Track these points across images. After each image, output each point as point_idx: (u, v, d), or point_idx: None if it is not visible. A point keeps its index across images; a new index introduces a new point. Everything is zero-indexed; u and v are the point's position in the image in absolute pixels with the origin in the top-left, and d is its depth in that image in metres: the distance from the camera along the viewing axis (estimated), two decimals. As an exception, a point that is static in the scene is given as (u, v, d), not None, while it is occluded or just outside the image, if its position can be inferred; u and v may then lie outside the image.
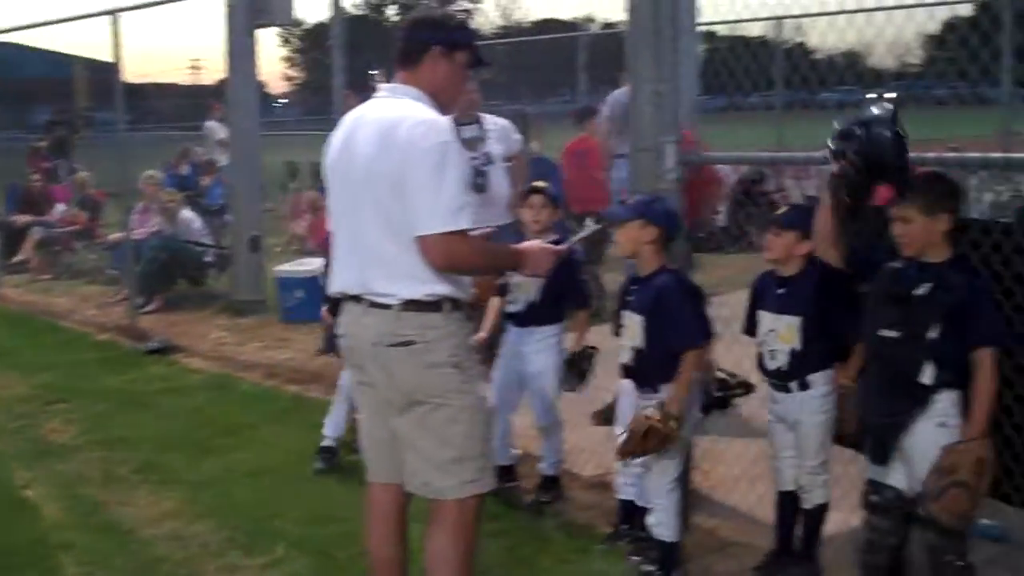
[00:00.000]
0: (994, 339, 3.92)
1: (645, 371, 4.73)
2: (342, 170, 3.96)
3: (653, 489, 4.79)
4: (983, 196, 6.31)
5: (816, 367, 4.58)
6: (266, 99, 13.18)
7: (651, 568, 4.81)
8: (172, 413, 7.89)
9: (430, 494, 3.97)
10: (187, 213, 12.31)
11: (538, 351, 5.67)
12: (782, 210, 4.72)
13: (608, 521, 5.39)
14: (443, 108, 3.96)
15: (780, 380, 4.65)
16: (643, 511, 4.93)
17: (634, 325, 4.74)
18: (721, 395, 4.94)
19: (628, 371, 4.80)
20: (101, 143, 17.41)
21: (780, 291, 4.63)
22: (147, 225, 12.02)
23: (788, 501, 4.77)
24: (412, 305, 3.81)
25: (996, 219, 5.14)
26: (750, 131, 9.88)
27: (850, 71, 6.18)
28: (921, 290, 3.99)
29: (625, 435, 4.63)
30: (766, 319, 4.68)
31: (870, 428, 4.23)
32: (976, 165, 4.64)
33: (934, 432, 3.97)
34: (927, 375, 3.96)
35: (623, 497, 5.25)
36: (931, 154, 4.56)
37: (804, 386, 4.59)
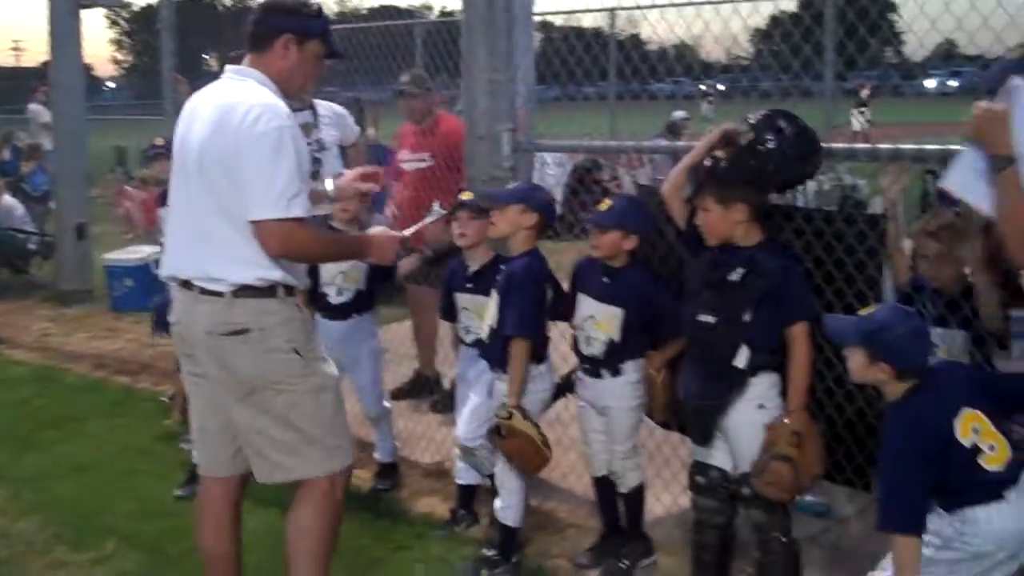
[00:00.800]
0: (805, 314, 4.06)
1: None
2: (180, 152, 3.89)
3: (502, 474, 4.84)
4: (807, 186, 6.53)
5: (629, 356, 4.66)
6: (93, 82, 12.72)
7: (491, 553, 4.85)
8: (-5, 407, 7.60)
9: (284, 478, 3.93)
10: (8, 200, 11.87)
11: (359, 341, 5.65)
12: (604, 206, 4.74)
13: (447, 507, 5.43)
14: (288, 96, 3.90)
15: (593, 367, 4.72)
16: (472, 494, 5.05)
17: (491, 304, 4.76)
18: (568, 377, 4.99)
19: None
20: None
21: (605, 280, 4.68)
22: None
23: (605, 485, 4.86)
24: (245, 291, 3.76)
25: (819, 207, 5.34)
26: (584, 121, 10.02)
27: (680, 63, 6.32)
28: (734, 275, 4.11)
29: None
30: (587, 304, 4.72)
31: (691, 411, 4.34)
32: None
33: (753, 414, 4.10)
34: (742, 358, 4.08)
35: (461, 482, 5.29)
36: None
37: (616, 373, 4.67)
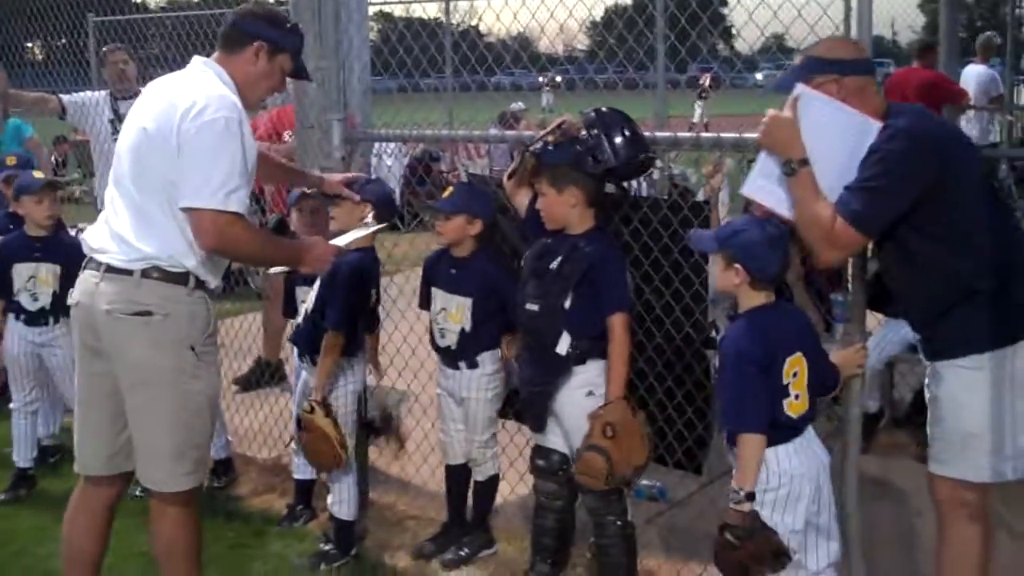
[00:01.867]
0: (619, 305, 4.12)
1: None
2: (125, 131, 3.83)
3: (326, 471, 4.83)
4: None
5: (485, 346, 4.70)
6: None
7: (328, 547, 4.83)
8: None
9: (154, 485, 3.84)
10: None
11: None
12: (447, 193, 4.78)
13: (284, 503, 5.37)
14: (245, 101, 3.85)
15: (450, 359, 4.75)
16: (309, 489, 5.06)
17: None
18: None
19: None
20: None
21: (452, 271, 4.72)
22: None
23: (458, 474, 4.88)
24: (154, 272, 3.68)
25: (648, 195, 5.45)
26: (424, 113, 10.01)
27: (517, 57, 6.36)
28: (555, 263, 4.16)
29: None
30: (439, 297, 4.76)
31: (524, 397, 4.40)
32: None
33: (582, 400, 4.14)
34: (563, 345, 4.12)
35: (299, 477, 5.24)
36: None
37: (472, 364, 4.71)
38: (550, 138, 4.21)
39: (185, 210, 3.63)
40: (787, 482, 3.52)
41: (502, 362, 4.72)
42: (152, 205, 3.69)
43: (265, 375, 7.15)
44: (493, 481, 4.86)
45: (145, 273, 3.69)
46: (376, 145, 6.58)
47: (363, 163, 5.63)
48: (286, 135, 7.17)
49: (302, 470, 5.22)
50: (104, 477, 3.98)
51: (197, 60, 3.93)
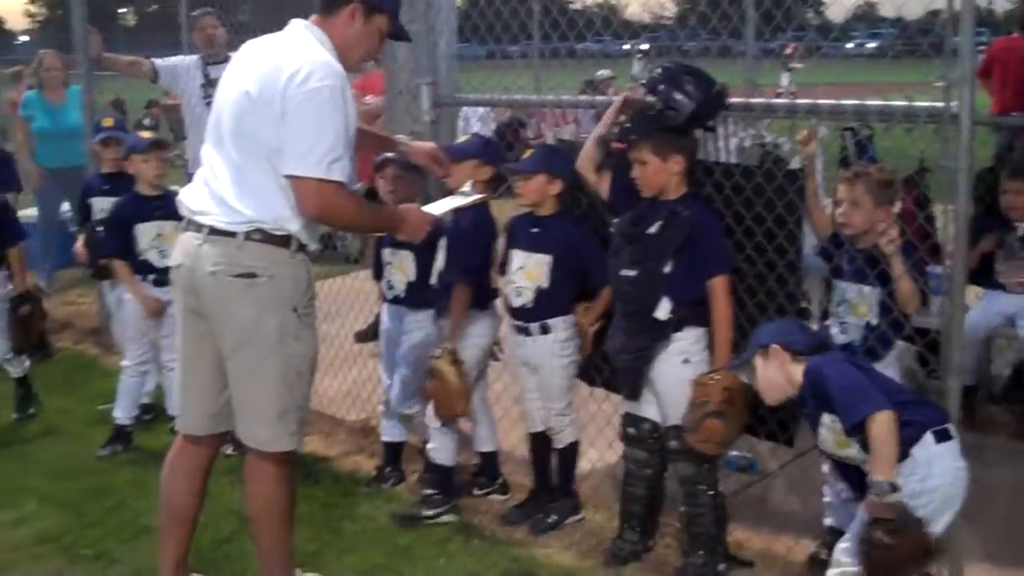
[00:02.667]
0: (722, 266, 4.13)
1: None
2: (224, 96, 3.84)
3: (431, 417, 4.88)
4: (729, 143, 6.59)
5: (558, 311, 4.69)
6: (5, 36, 12.35)
7: (430, 491, 4.91)
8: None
9: (257, 445, 3.89)
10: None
11: None
12: (527, 154, 4.78)
13: (373, 464, 5.43)
14: (345, 64, 3.85)
15: (523, 320, 4.74)
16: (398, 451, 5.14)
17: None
18: None
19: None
20: None
21: (534, 230, 4.72)
22: None
23: (540, 441, 4.89)
24: (258, 235, 3.71)
25: (738, 163, 5.38)
26: (509, 79, 10.01)
27: (605, 23, 6.31)
28: (653, 228, 4.16)
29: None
30: (517, 257, 4.76)
31: (618, 365, 4.38)
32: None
33: (679, 368, 4.15)
34: (663, 310, 4.12)
35: (387, 439, 5.29)
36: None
37: (545, 330, 4.70)
38: (621, 118, 4.20)
39: (288, 177, 3.66)
40: (950, 483, 3.49)
41: (575, 329, 4.71)
42: (254, 168, 3.72)
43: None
44: (573, 448, 4.86)
45: (248, 235, 3.72)
46: (463, 111, 6.58)
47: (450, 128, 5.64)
48: (368, 98, 7.22)
49: (390, 432, 5.27)
50: (203, 436, 4.04)
51: (296, 23, 3.91)
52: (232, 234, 3.73)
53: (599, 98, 5.50)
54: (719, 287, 4.11)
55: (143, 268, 5.75)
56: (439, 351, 4.72)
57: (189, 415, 4.06)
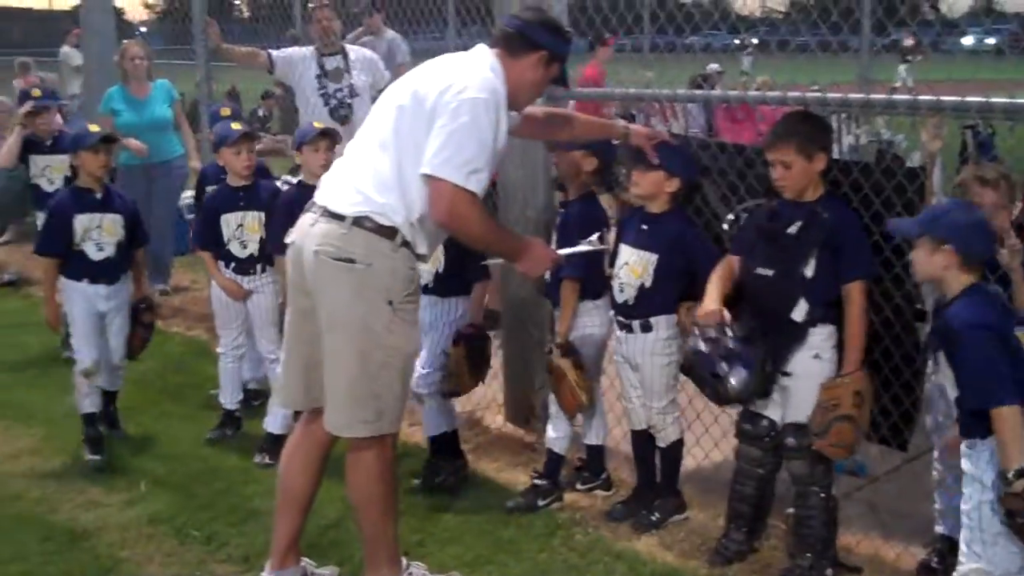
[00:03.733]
0: (863, 271, 4.06)
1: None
2: (393, 93, 3.96)
3: (555, 405, 4.95)
4: (843, 139, 6.49)
5: (660, 309, 4.64)
6: (125, 27, 12.62)
7: (542, 482, 4.97)
8: (27, 348, 7.66)
9: (333, 428, 3.95)
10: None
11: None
12: (664, 149, 4.72)
13: (476, 457, 5.47)
14: (513, 104, 3.96)
15: (625, 317, 4.71)
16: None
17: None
18: None
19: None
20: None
21: (643, 227, 4.68)
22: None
23: (643, 439, 4.85)
24: (366, 222, 3.76)
25: (857, 160, 5.27)
26: (617, 72, 9.95)
27: (716, 15, 6.24)
28: (793, 228, 4.10)
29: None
30: (624, 253, 4.73)
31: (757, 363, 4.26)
32: (836, 105, 4.74)
33: (809, 364, 4.10)
34: (800, 312, 4.07)
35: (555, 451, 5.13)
36: (794, 92, 4.65)
37: (646, 328, 4.66)
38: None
39: (426, 177, 3.72)
40: None
41: (678, 328, 4.64)
42: (382, 158, 3.80)
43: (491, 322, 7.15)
44: (677, 446, 4.81)
45: (356, 221, 3.77)
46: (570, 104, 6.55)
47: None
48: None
49: (554, 444, 5.10)
50: (318, 419, 4.07)
51: (483, 49, 4.03)
52: (342, 217, 3.79)
53: (714, 92, 5.46)
54: (856, 291, 4.04)
55: (226, 257, 5.86)
56: (551, 346, 4.73)
57: (289, 389, 4.15)
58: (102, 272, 5.66)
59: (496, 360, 5.80)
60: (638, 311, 4.66)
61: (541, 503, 4.89)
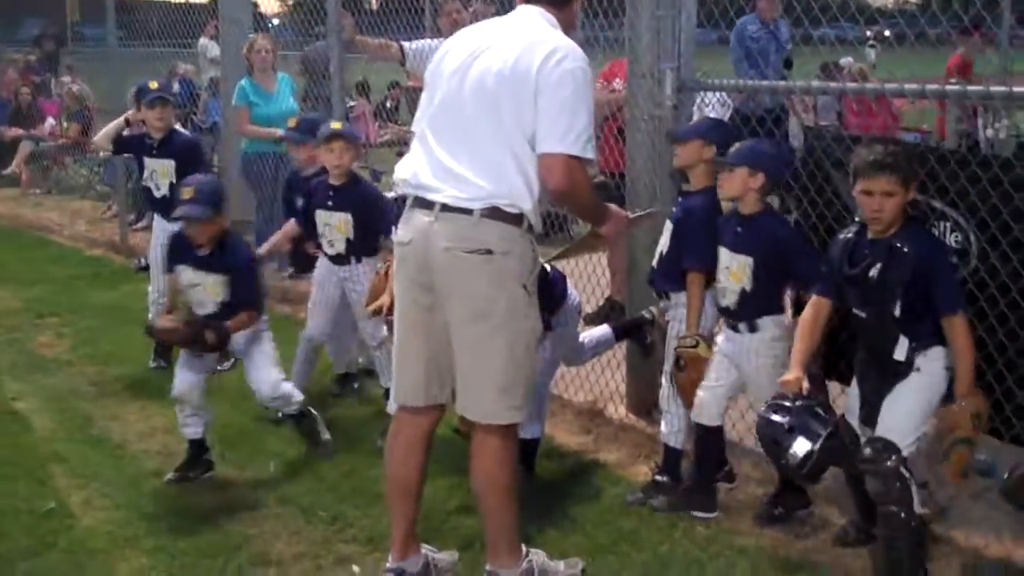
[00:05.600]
0: (955, 305, 3.93)
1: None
2: (456, 76, 3.92)
3: (669, 399, 4.92)
4: (982, 132, 6.31)
5: (765, 310, 4.59)
6: (260, 18, 12.89)
7: (662, 477, 4.93)
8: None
9: (479, 417, 3.98)
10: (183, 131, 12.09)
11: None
12: (733, 148, 4.65)
13: (599, 446, 5.47)
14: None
15: (730, 319, 4.67)
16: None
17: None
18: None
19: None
20: (91, 59, 17.23)
21: (738, 229, 4.62)
22: (138, 142, 11.89)
23: (711, 434, 4.79)
24: (493, 212, 3.80)
25: (995, 154, 5.14)
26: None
27: (848, 7, 6.14)
28: (874, 271, 4.00)
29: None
30: (723, 256, 4.67)
31: (864, 397, 4.22)
32: (977, 97, 4.62)
33: (912, 379, 4.03)
34: (901, 351, 4.00)
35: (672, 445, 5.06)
36: (932, 86, 4.54)
37: (753, 328, 4.60)
38: None
39: (543, 154, 3.74)
40: None
41: (785, 329, 4.56)
42: (493, 145, 3.79)
43: (613, 313, 7.16)
44: None
45: (485, 213, 3.79)
46: (701, 96, 6.49)
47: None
48: (616, 83, 7.22)
49: (670, 438, 5.01)
50: (420, 408, 4.13)
51: (528, 8, 4.01)
52: (468, 211, 3.80)
53: (850, 85, 5.36)
54: (957, 326, 3.91)
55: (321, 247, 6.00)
56: (690, 339, 4.72)
57: (405, 386, 4.15)
58: None
59: (619, 351, 5.82)
60: (743, 315, 4.60)
61: (660, 500, 4.84)
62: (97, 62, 15.55)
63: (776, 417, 4.05)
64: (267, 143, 8.92)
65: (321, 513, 4.85)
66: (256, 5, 12.02)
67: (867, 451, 4.01)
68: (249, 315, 5.30)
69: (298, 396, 5.59)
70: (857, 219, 4.20)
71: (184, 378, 5.31)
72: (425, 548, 4.27)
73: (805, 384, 4.13)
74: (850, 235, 4.13)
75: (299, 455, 5.55)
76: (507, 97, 3.77)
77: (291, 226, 6.22)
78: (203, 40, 17.10)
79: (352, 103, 7.70)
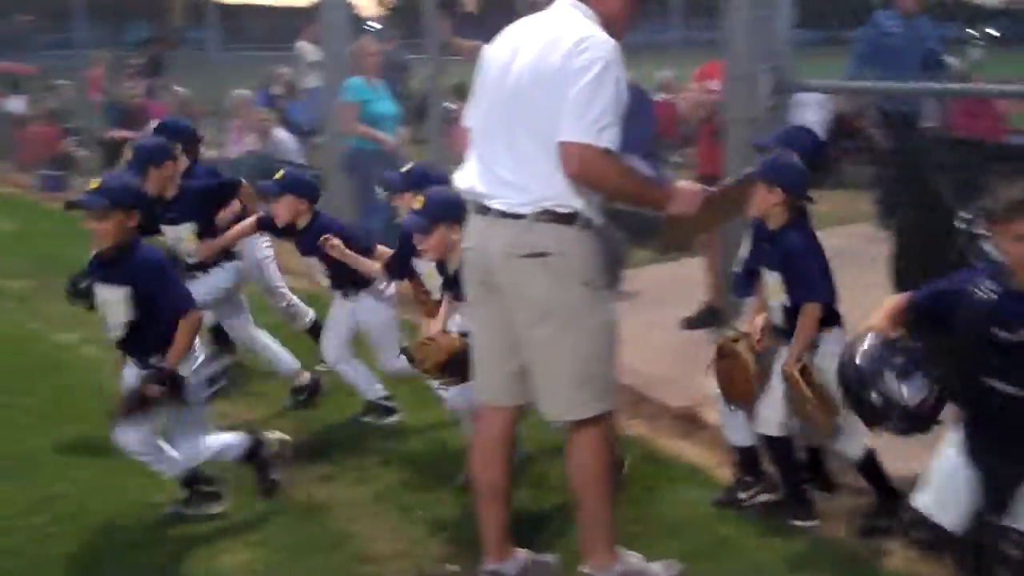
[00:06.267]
0: None
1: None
2: (500, 75, 3.95)
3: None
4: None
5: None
6: (357, 22, 13.06)
7: (744, 476, 4.90)
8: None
9: (561, 415, 4.03)
10: (281, 133, 12.30)
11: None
12: (763, 161, 4.56)
13: (696, 451, 5.47)
14: (614, 35, 3.92)
15: (781, 338, 4.59)
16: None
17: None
18: None
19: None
20: (193, 62, 17.61)
21: (767, 245, 4.58)
22: (241, 144, 12.12)
23: (779, 444, 4.71)
24: (546, 215, 3.81)
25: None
26: (841, 66, 9.68)
27: (952, 7, 6.04)
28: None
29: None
30: (763, 274, 4.63)
31: (987, 480, 3.61)
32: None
33: None
34: None
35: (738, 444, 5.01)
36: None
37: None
38: None
39: (559, 143, 3.72)
40: None
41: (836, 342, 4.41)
42: (534, 147, 3.79)
43: (713, 318, 7.14)
44: (869, 457, 4.63)
45: (537, 216, 3.80)
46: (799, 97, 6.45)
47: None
48: (712, 84, 7.19)
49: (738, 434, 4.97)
50: (497, 408, 4.16)
51: (562, 1, 3.99)
52: (521, 216, 3.82)
53: (951, 86, 5.28)
54: None
55: None
56: (734, 332, 4.70)
57: (484, 386, 4.20)
58: None
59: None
60: (789, 332, 4.54)
61: (743, 495, 4.84)
62: (196, 66, 15.90)
63: (870, 356, 3.61)
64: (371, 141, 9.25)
65: (419, 512, 4.92)
66: (353, 7, 12.15)
67: (1007, 544, 3.52)
68: (187, 324, 4.67)
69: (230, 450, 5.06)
70: (985, 265, 3.68)
71: (124, 433, 4.73)
72: (523, 551, 4.29)
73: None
74: (991, 292, 3.48)
75: (398, 451, 5.62)
76: (541, 95, 3.77)
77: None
78: (301, 43, 17.37)
79: (452, 106, 7.76)
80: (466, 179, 4.04)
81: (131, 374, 4.76)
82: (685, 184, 4.18)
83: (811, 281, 4.43)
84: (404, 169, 5.64)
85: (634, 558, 4.20)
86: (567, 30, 3.81)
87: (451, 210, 4.60)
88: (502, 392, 4.14)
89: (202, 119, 15.53)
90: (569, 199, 3.80)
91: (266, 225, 6.09)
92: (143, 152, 6.08)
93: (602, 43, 3.78)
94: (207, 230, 6.18)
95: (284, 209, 5.85)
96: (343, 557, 4.56)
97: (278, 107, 15.07)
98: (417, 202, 4.86)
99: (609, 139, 3.72)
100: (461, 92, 15.42)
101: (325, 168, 11.27)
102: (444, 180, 5.30)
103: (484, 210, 3.93)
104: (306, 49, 16.97)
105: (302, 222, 5.93)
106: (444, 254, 4.91)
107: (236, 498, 5.05)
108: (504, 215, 3.86)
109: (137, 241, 4.71)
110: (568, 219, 3.82)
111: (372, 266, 5.70)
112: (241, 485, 5.15)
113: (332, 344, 6.09)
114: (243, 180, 6.51)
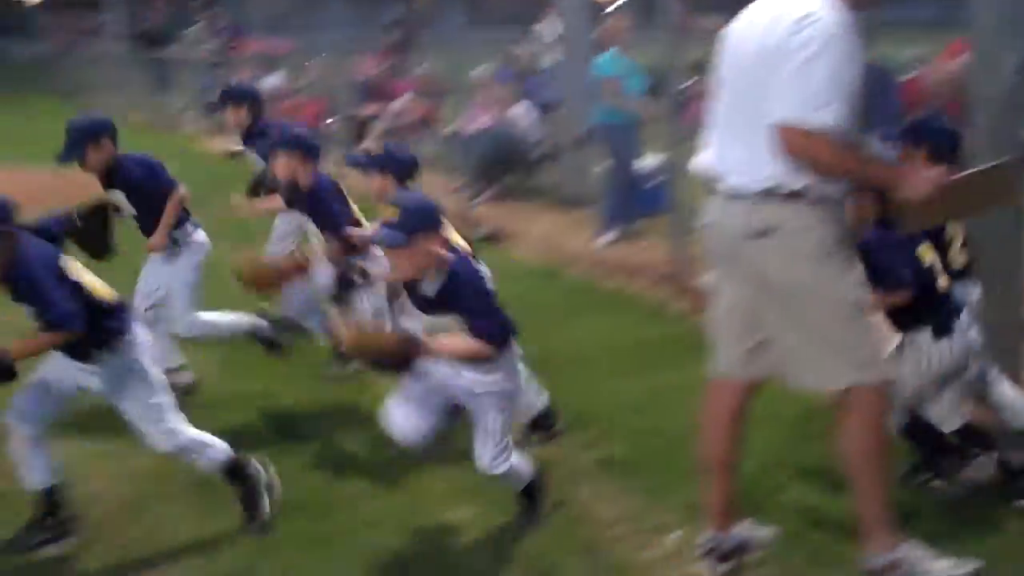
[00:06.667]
0: None
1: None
2: (735, 53, 3.97)
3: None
4: None
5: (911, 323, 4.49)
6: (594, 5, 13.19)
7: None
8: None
9: (822, 387, 4.01)
10: (517, 110, 12.47)
11: None
12: None
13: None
14: (860, 8, 3.82)
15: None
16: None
17: None
18: None
19: None
20: (437, 42, 18.07)
21: None
22: (478, 121, 12.39)
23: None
24: (773, 193, 3.79)
25: None
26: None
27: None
28: None
29: None
30: None
31: None
32: None
33: None
34: None
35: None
36: None
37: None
38: None
39: (773, 122, 3.67)
40: None
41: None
42: (762, 126, 3.72)
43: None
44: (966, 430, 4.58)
45: (763, 195, 3.79)
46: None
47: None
48: (957, 60, 7.01)
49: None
50: (726, 383, 4.18)
51: None
52: (748, 195, 3.83)
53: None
54: None
55: None
56: None
57: (721, 358, 4.20)
58: None
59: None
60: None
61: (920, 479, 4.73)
62: (441, 45, 16.33)
63: None
64: (621, 113, 9.67)
65: (640, 480, 5.01)
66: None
67: None
68: (48, 336, 4.33)
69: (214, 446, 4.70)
70: None
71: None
72: (744, 524, 4.28)
73: None
74: None
75: (621, 422, 5.69)
76: (765, 73, 3.71)
77: None
78: (538, 25, 17.61)
79: (686, 84, 7.81)
80: (704, 158, 4.07)
81: None
82: (916, 169, 4.09)
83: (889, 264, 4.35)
84: (364, 149, 5.69)
85: (914, 550, 4.00)
86: (792, 6, 3.75)
87: (428, 218, 4.24)
88: (738, 365, 4.14)
89: (444, 96, 16.02)
90: (795, 176, 3.75)
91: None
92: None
93: (824, 19, 3.68)
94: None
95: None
96: (564, 519, 4.71)
97: (518, 84, 15.28)
98: (390, 212, 4.22)
99: (828, 117, 3.64)
100: (698, 70, 15.35)
101: (561, 143, 11.47)
102: (409, 163, 5.58)
103: (717, 191, 3.97)
104: (543, 30, 17.22)
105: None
106: (420, 271, 4.31)
107: (459, 462, 5.10)
108: (734, 195, 3.89)
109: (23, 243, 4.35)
110: (795, 196, 3.78)
111: None
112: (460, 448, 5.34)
113: None
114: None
